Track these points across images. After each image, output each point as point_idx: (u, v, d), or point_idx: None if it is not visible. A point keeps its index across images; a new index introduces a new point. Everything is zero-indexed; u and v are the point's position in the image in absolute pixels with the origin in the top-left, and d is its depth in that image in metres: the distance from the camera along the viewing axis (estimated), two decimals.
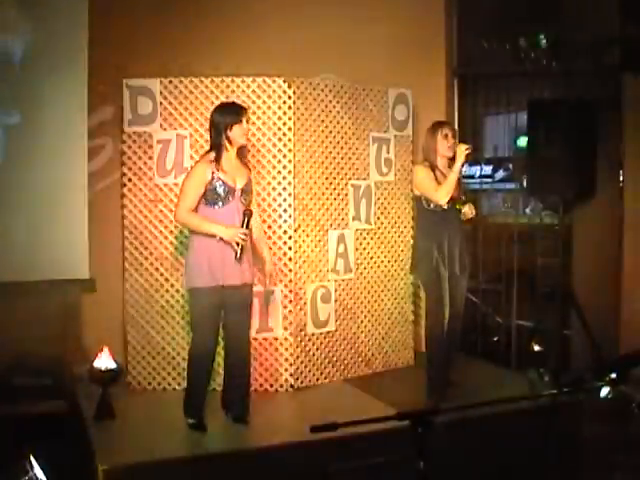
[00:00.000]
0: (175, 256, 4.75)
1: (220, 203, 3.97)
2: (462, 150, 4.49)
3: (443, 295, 4.60)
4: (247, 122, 4.08)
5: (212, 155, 4.01)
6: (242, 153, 4.15)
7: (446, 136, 4.60)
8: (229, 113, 4.02)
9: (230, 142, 4.01)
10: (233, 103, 4.24)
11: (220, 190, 3.96)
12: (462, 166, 4.55)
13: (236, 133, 4.00)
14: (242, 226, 3.94)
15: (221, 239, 3.92)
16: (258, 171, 4.76)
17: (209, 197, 3.97)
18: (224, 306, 4.10)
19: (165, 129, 4.75)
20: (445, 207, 4.57)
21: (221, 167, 3.98)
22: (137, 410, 4.44)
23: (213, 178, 3.95)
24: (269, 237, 4.76)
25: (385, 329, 5.32)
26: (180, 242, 4.71)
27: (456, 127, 5.94)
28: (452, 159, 4.61)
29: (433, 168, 4.62)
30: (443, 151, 4.60)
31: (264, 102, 4.74)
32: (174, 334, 4.79)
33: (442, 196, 4.54)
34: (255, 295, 4.70)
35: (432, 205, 4.60)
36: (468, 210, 4.69)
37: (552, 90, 5.50)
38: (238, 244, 3.91)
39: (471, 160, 5.35)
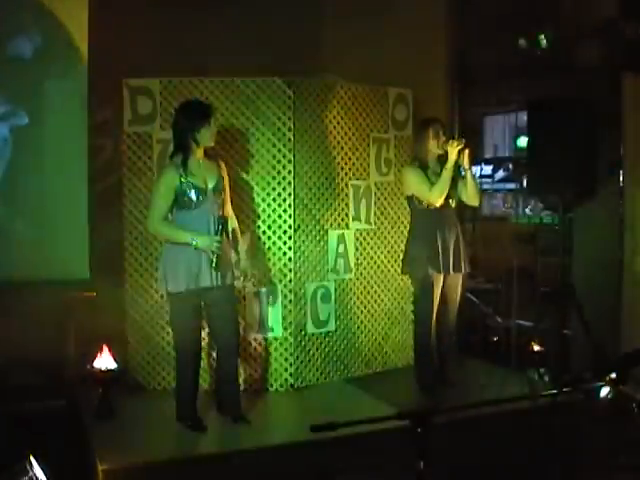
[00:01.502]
0: None
1: (193, 206, 3.91)
2: (454, 146, 4.44)
3: (434, 297, 4.59)
4: (214, 123, 3.98)
5: (179, 158, 3.92)
6: (209, 151, 4.06)
7: (437, 134, 4.56)
8: (197, 114, 3.92)
9: (197, 144, 3.92)
10: (200, 103, 4.14)
11: (191, 194, 3.89)
12: (455, 163, 4.48)
13: (204, 135, 3.91)
14: (217, 234, 3.88)
15: (196, 248, 3.87)
16: (258, 171, 4.76)
17: (181, 202, 3.90)
18: (206, 309, 4.10)
19: (165, 129, 4.74)
20: (438, 206, 4.55)
21: (189, 170, 3.90)
22: (137, 410, 4.44)
23: (182, 183, 3.88)
24: (269, 237, 4.76)
25: (385, 329, 5.32)
26: None
27: (456, 127, 5.96)
28: (442, 157, 4.59)
29: (424, 167, 4.59)
30: (434, 149, 4.57)
31: (264, 102, 4.74)
32: None
33: (436, 196, 4.51)
34: (255, 295, 4.72)
35: (425, 204, 4.58)
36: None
37: (552, 90, 5.50)
38: (214, 252, 3.87)
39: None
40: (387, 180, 5.29)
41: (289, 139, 4.76)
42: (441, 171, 4.61)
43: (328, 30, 5.45)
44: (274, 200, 4.77)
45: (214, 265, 3.87)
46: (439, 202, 4.52)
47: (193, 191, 3.90)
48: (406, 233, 5.30)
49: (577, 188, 5.06)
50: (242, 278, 4.31)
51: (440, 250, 4.54)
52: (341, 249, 5.06)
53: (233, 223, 4.23)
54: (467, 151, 4.51)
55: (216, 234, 3.88)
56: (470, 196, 4.70)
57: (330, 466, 3.72)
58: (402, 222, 5.32)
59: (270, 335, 4.81)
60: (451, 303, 4.72)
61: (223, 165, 4.17)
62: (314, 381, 4.96)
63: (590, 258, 5.28)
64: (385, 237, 5.30)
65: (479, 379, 5.05)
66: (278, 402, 4.69)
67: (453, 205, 4.65)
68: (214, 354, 4.49)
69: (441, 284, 4.61)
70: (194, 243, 3.85)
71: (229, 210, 4.20)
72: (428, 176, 4.56)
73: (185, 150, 3.92)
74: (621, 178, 5.16)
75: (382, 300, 5.29)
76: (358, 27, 5.49)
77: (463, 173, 4.62)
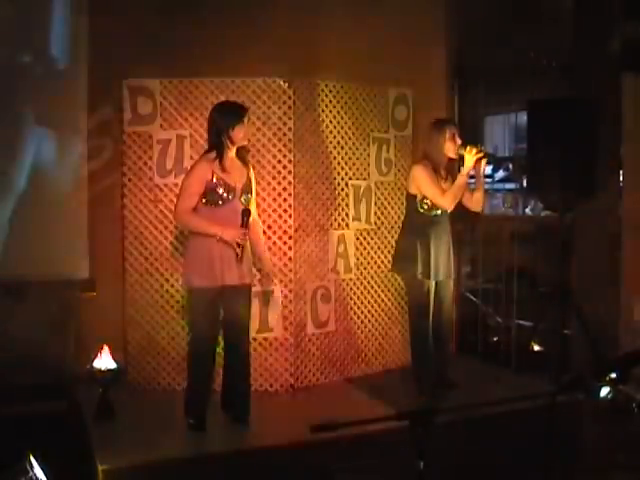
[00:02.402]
0: (175, 256, 4.75)
1: (220, 203, 3.96)
2: (473, 154, 4.35)
3: (427, 300, 4.57)
4: (247, 122, 4.06)
5: (213, 154, 3.99)
6: (242, 152, 4.12)
7: (453, 136, 4.48)
8: (232, 113, 4.00)
9: (231, 142, 4.00)
10: (234, 103, 4.22)
11: (220, 190, 3.94)
12: (471, 169, 4.43)
13: (238, 133, 3.98)
14: (242, 226, 3.93)
15: (221, 239, 3.91)
16: (258, 171, 4.75)
17: (209, 197, 3.95)
18: (223, 306, 4.11)
19: (165, 129, 4.75)
20: (440, 213, 4.53)
21: (222, 167, 3.97)
22: (137, 410, 4.44)
23: (214, 178, 3.94)
24: (269, 237, 4.76)
25: (385, 329, 5.32)
26: (180, 242, 4.71)
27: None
28: (451, 160, 4.56)
29: (435, 168, 4.56)
30: (450, 153, 4.50)
31: (264, 102, 4.74)
32: (174, 334, 4.80)
33: (449, 202, 4.46)
34: (255, 295, 4.71)
35: (425, 208, 4.55)
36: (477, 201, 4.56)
37: (552, 90, 5.49)
38: (239, 245, 3.91)
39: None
40: (387, 180, 5.29)
41: (289, 139, 4.76)
42: (448, 174, 4.57)
43: (328, 30, 5.44)
44: (274, 200, 4.77)
45: (239, 258, 3.90)
46: (450, 208, 4.49)
47: (223, 187, 3.94)
48: None
49: (577, 188, 5.06)
50: (265, 282, 4.31)
51: (431, 256, 4.51)
52: (341, 249, 5.06)
53: (257, 227, 4.25)
54: (484, 160, 4.48)
55: (241, 227, 3.92)
56: (477, 203, 4.67)
57: (330, 466, 3.72)
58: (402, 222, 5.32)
59: (270, 335, 4.81)
60: (444, 305, 4.70)
61: (252, 168, 4.21)
62: (314, 381, 4.96)
63: (590, 258, 5.28)
64: (385, 237, 5.30)
65: (479, 379, 5.05)
66: (278, 402, 4.69)
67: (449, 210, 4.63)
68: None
69: (433, 287, 4.59)
70: (220, 235, 3.89)
71: (255, 215, 4.22)
72: (437, 178, 4.53)
73: (219, 148, 3.98)
74: (621, 178, 5.16)
75: (382, 300, 5.30)
76: (358, 27, 5.48)
77: (474, 180, 4.60)
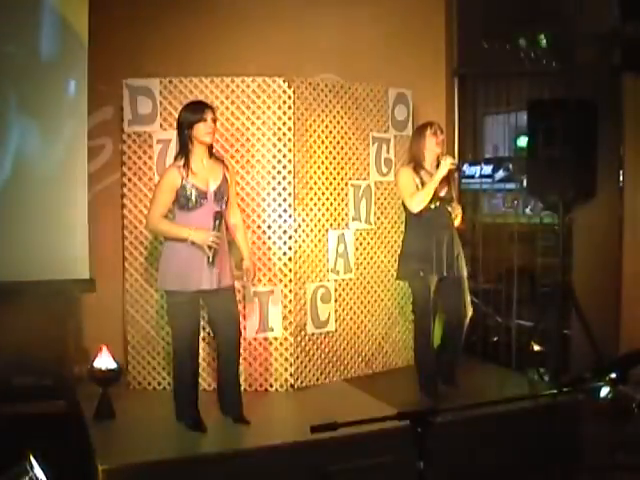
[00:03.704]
0: None
1: (191, 207, 3.91)
2: (447, 163, 4.40)
3: (430, 299, 4.56)
4: (214, 121, 3.97)
5: (181, 159, 3.95)
6: (212, 152, 4.06)
7: (435, 133, 4.53)
8: (191, 111, 3.95)
9: (196, 141, 3.94)
10: (197, 101, 4.18)
11: (191, 194, 3.90)
12: (442, 177, 4.45)
13: (199, 131, 3.91)
14: (213, 229, 3.89)
15: (193, 243, 3.88)
16: (258, 171, 4.76)
17: (181, 202, 3.92)
18: (207, 309, 4.12)
19: (165, 129, 4.75)
20: (432, 207, 4.52)
21: (191, 170, 3.92)
22: (137, 410, 4.44)
23: (183, 183, 3.90)
24: (269, 237, 4.77)
25: (385, 329, 5.32)
26: None
27: (456, 127, 5.95)
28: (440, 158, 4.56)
29: (418, 171, 4.55)
30: (432, 147, 4.52)
31: (264, 102, 4.74)
32: None
33: (415, 204, 4.46)
34: (255, 295, 4.72)
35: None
36: (453, 212, 4.64)
37: (552, 90, 5.50)
38: (210, 248, 3.87)
39: (471, 160, 5.31)
40: (387, 180, 5.29)
41: (289, 139, 4.76)
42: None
43: (328, 29, 5.45)
44: (274, 200, 4.77)
45: (211, 261, 3.87)
46: (416, 210, 4.47)
47: (193, 191, 3.91)
48: None
49: (577, 188, 5.06)
50: (245, 277, 4.29)
51: (432, 252, 4.50)
52: (341, 249, 5.06)
53: (239, 224, 4.23)
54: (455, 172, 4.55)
55: (213, 229, 3.89)
56: (455, 217, 4.69)
57: (330, 466, 3.72)
58: (402, 222, 5.30)
59: (270, 335, 4.81)
60: (453, 309, 4.68)
61: (230, 167, 4.19)
62: (314, 381, 4.96)
63: (590, 258, 5.28)
64: (385, 237, 5.30)
65: (479, 379, 5.05)
66: (278, 402, 4.69)
67: (449, 208, 4.62)
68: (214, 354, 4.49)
69: (434, 285, 4.58)
70: (190, 237, 3.86)
71: (235, 212, 4.21)
72: (422, 179, 4.53)
73: (186, 149, 3.95)
74: (621, 178, 5.16)
75: (382, 300, 5.30)
76: (358, 27, 5.49)
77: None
